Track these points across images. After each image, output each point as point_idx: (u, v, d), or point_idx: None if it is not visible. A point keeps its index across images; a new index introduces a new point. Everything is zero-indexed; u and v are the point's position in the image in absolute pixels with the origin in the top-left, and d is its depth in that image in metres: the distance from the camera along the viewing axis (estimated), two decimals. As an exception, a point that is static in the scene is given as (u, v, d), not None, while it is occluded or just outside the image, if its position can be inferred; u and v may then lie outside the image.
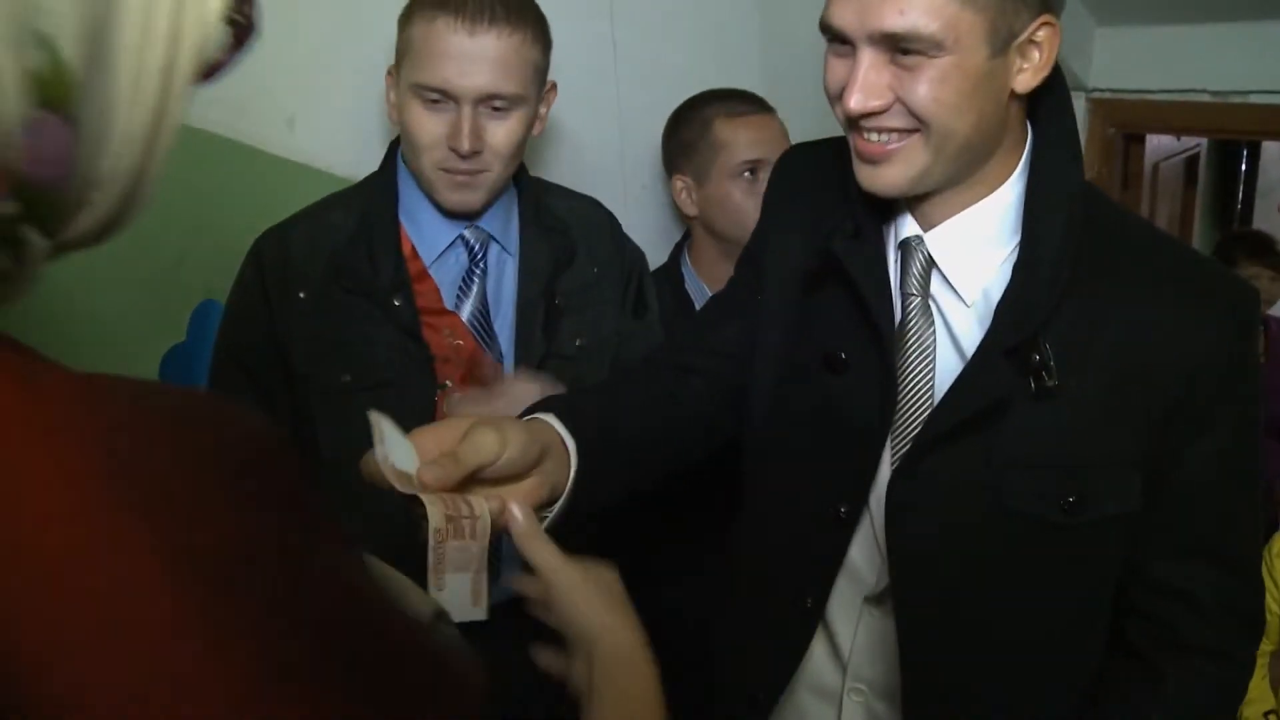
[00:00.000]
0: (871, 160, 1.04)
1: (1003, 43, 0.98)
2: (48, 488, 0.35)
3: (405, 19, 1.34)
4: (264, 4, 0.55)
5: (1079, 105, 3.28)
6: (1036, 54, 1.01)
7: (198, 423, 0.41)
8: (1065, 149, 1.07)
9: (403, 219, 1.43)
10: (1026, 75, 1.02)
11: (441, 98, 1.32)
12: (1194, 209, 4.50)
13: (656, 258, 1.95)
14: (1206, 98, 3.00)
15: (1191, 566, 1.07)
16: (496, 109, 1.34)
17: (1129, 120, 3.26)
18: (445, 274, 1.44)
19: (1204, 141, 4.45)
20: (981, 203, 1.07)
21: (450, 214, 1.41)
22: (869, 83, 0.99)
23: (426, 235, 1.42)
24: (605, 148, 1.96)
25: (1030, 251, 1.03)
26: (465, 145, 1.32)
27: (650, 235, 1.96)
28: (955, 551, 1.07)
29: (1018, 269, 1.04)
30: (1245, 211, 5.76)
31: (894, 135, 1.01)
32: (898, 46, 0.97)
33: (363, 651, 0.41)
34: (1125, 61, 3.12)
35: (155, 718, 0.35)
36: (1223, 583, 1.08)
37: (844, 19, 0.99)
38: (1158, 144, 3.73)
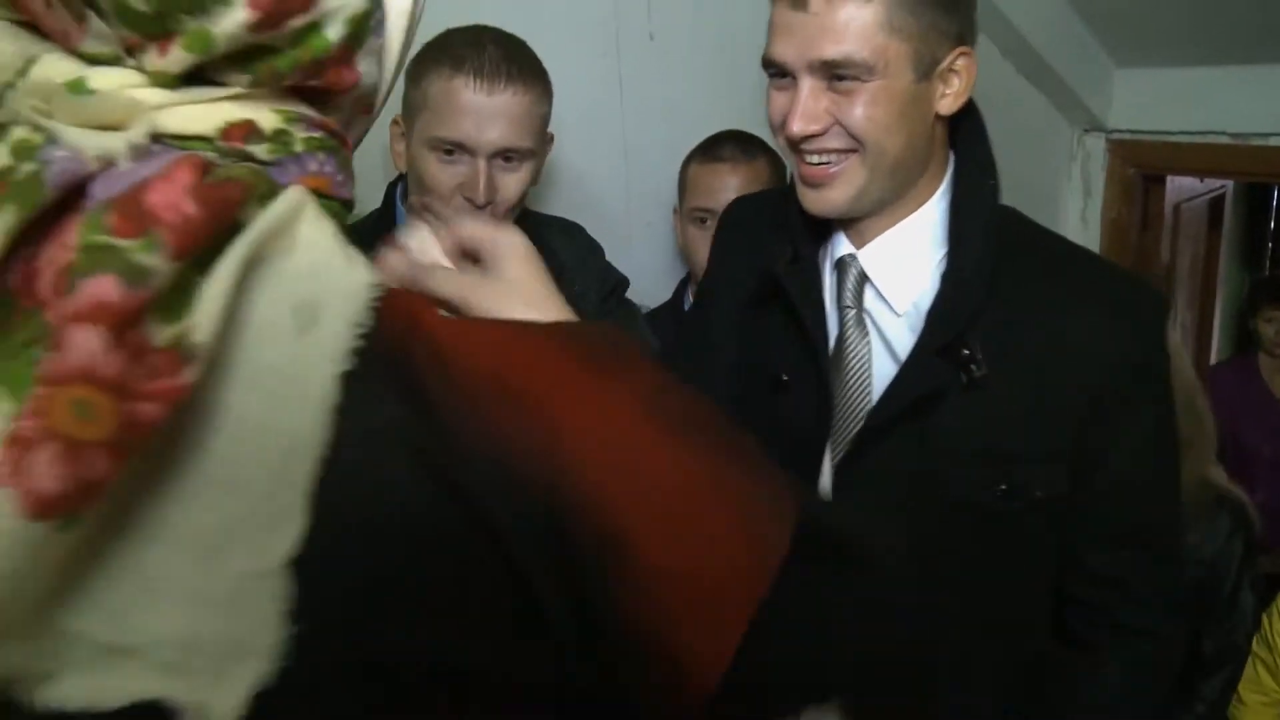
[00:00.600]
0: (814, 183, 1.13)
1: (926, 69, 1.09)
2: (562, 370, 0.54)
3: (416, 75, 1.38)
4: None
5: (1098, 145, 3.28)
6: (956, 80, 1.12)
7: (595, 327, 0.61)
8: (983, 171, 1.17)
9: None
10: (949, 100, 1.12)
11: (458, 151, 1.36)
12: (1218, 251, 4.45)
13: (661, 294, 1.96)
14: (1226, 140, 2.98)
15: (1120, 554, 1.14)
16: (508, 161, 1.38)
17: (1148, 161, 3.25)
18: None
19: (1229, 183, 4.41)
20: (908, 219, 1.16)
21: None
22: (809, 109, 1.08)
23: None
24: (610, 184, 1.98)
25: (955, 262, 1.13)
26: (482, 197, 1.36)
27: (654, 272, 1.98)
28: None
29: (945, 277, 1.13)
30: (1277, 254, 5.70)
31: (834, 156, 1.11)
32: (834, 73, 1.07)
33: (742, 443, 0.58)
34: (1145, 103, 3.12)
35: (618, 461, 0.52)
36: (1150, 568, 1.15)
37: (785, 53, 1.09)
38: (1180, 185, 3.71)
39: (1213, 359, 4.44)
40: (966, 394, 1.09)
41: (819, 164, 1.11)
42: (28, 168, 0.48)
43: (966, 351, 1.08)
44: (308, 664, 0.49)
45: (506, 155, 1.37)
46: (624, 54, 1.94)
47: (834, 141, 1.10)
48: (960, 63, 1.11)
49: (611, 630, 0.53)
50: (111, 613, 0.47)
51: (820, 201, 1.13)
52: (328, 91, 0.57)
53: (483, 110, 1.34)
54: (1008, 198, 1.20)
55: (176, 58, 0.51)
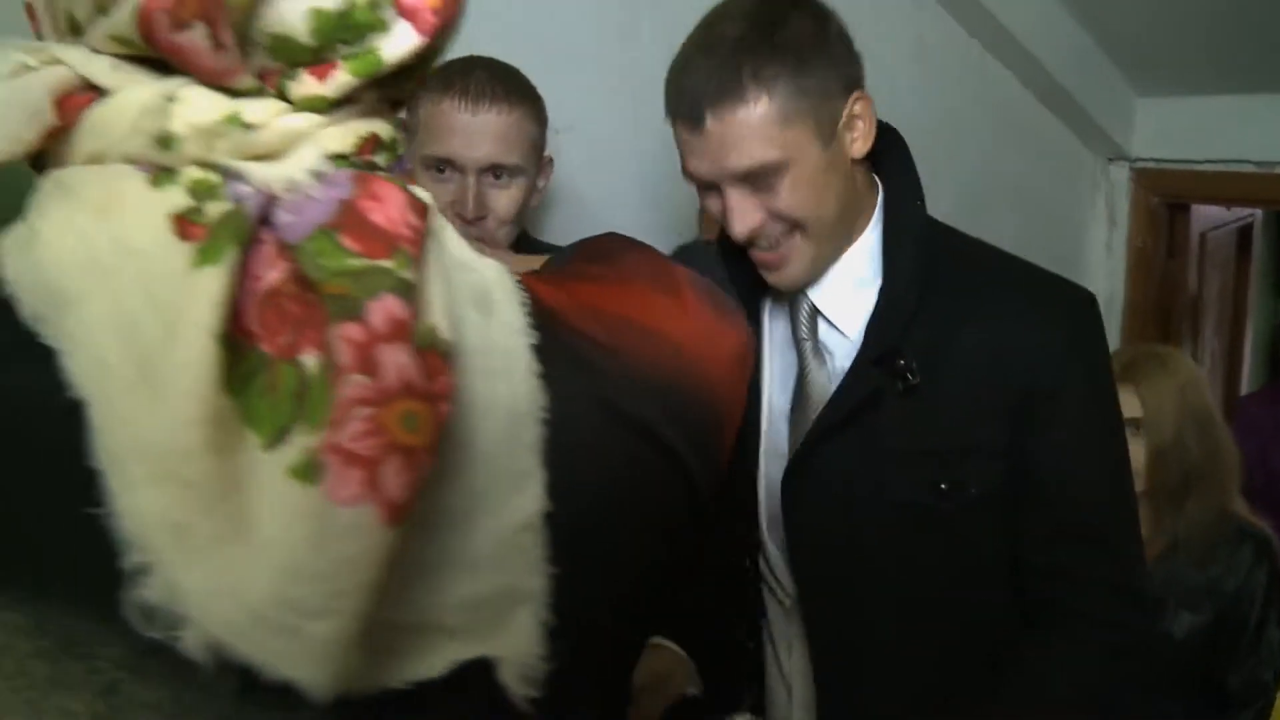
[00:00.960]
0: (770, 267, 1.20)
1: (829, 133, 1.15)
2: (641, 294, 0.65)
3: (412, 104, 1.41)
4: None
5: (1123, 175, 3.27)
6: (860, 124, 1.18)
7: (635, 252, 0.71)
8: (910, 194, 1.24)
9: None
10: (858, 143, 1.18)
11: (449, 169, 1.40)
12: (1248, 279, 4.41)
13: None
14: (1251, 168, 2.97)
15: (1064, 547, 1.16)
16: (497, 178, 1.42)
17: (1173, 190, 3.24)
18: None
19: (1258, 211, 4.38)
20: (848, 253, 1.23)
21: None
22: (741, 213, 1.15)
23: None
24: (624, 214, 1.99)
25: (890, 283, 1.20)
26: (470, 211, 1.40)
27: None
28: (847, 548, 1.19)
29: (880, 296, 1.20)
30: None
31: (781, 238, 1.17)
32: (750, 178, 1.13)
33: (722, 294, 0.70)
34: (1168, 132, 3.11)
35: (702, 345, 0.65)
36: (1095, 560, 1.16)
37: (699, 168, 1.16)
38: (1207, 213, 3.68)
39: (1243, 389, 4.39)
40: (903, 400, 1.15)
41: (768, 249, 1.18)
42: (220, 207, 0.49)
43: (901, 361, 1.15)
44: (574, 599, 0.56)
45: (495, 172, 1.41)
46: (638, 91, 1.96)
47: (776, 227, 1.16)
48: (857, 107, 1.16)
49: (715, 491, 0.65)
50: (398, 595, 0.51)
51: (782, 280, 1.21)
52: (408, 98, 0.61)
53: (469, 128, 1.38)
54: (1032, 227, 1.23)
55: (339, 83, 0.53)
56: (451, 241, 0.56)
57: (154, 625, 0.47)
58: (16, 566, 0.48)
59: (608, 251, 0.70)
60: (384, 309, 0.48)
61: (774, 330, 1.31)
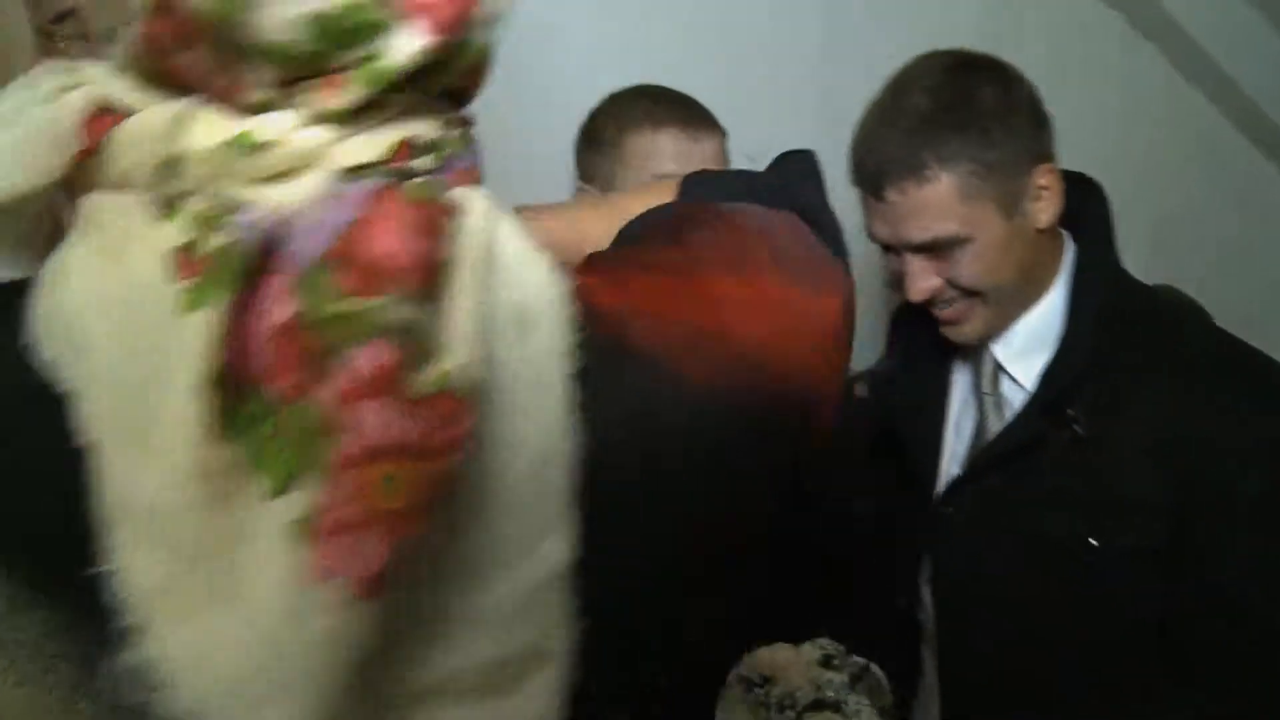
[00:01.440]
0: (948, 323, 1.21)
1: (1012, 206, 1.14)
2: (712, 283, 0.57)
3: (609, 142, 1.40)
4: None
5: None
6: (1046, 194, 1.16)
7: (712, 218, 0.63)
8: (1103, 251, 1.21)
9: None
10: (1044, 215, 1.16)
11: None
12: None
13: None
14: None
15: (1210, 624, 1.10)
16: None
17: None
18: None
19: None
20: (1035, 309, 1.22)
21: None
22: (919, 283, 1.17)
23: None
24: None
25: (1068, 339, 1.18)
26: None
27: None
28: (991, 577, 1.19)
29: (1058, 346, 1.19)
30: None
31: (959, 301, 1.18)
32: (930, 248, 1.14)
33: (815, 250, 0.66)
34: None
35: (783, 327, 0.58)
36: (1241, 640, 1.09)
37: (880, 233, 1.19)
38: None
39: None
40: (1069, 447, 1.14)
41: (946, 308, 1.19)
42: (219, 241, 0.45)
43: (1070, 411, 1.14)
44: (613, 657, 0.51)
45: None
46: (834, 122, 1.95)
47: (953, 292, 1.18)
48: (1044, 179, 1.15)
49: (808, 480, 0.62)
50: (408, 659, 0.48)
51: (958, 335, 1.22)
52: (469, 89, 0.55)
53: (691, 154, 1.37)
54: (1243, 290, 1.16)
55: (351, 94, 0.48)
56: (505, 243, 0.50)
57: (132, 688, 0.45)
58: (50, 585, 0.47)
59: (677, 228, 0.61)
60: (368, 357, 0.43)
61: (959, 381, 1.32)
